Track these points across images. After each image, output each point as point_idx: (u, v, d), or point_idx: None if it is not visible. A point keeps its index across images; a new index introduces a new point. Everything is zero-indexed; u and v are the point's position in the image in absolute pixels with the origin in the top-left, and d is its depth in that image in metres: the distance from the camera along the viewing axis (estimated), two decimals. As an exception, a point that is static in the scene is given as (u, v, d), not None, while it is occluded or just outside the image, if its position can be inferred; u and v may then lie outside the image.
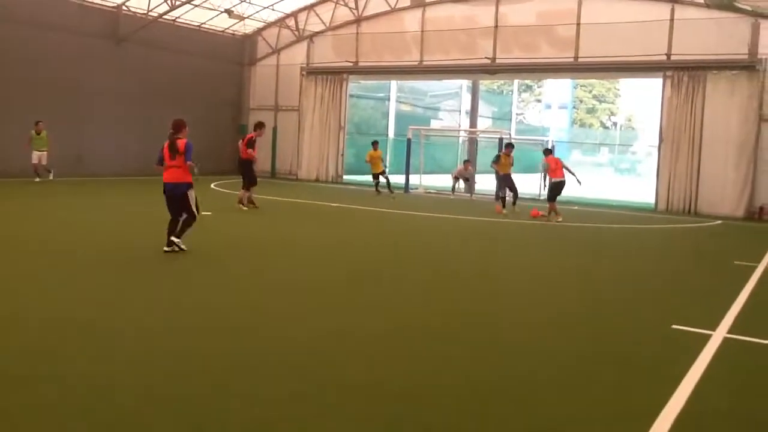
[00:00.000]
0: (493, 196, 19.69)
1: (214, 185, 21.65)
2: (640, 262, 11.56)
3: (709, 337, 6.34)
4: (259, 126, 15.70)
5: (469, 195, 23.75)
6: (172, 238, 9.31)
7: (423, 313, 6.93)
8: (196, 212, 9.47)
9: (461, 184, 24.10)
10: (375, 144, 21.99)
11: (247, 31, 28.74)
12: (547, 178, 16.76)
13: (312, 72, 27.65)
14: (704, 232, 16.61)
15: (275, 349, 5.45)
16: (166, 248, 9.30)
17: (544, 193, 18.07)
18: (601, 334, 6.53)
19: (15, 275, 7.87)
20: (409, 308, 7.11)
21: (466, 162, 24.60)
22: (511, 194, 18.50)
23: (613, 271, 10.35)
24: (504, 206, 18.21)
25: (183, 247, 9.37)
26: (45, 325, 5.78)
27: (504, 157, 18.34)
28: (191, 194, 9.40)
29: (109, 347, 5.32)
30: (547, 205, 16.79)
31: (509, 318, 7.00)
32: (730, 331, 6.60)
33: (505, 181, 18.40)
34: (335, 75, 27.14)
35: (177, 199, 9.35)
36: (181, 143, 9.31)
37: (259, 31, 28.85)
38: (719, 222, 18.45)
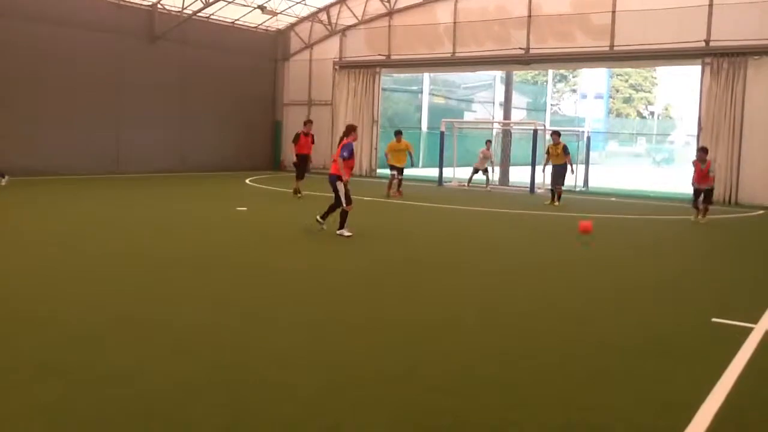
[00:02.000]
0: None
1: (249, 180, 21.84)
2: (679, 254, 11.36)
3: (750, 330, 6.20)
4: (307, 122, 18.37)
5: (485, 186, 23.08)
6: (337, 232, 10.96)
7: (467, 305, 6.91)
8: (343, 202, 11.01)
9: (480, 175, 23.09)
10: (398, 134, 19.65)
11: (280, 27, 28.90)
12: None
13: (345, 66, 27.70)
14: (745, 223, 16.24)
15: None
16: (318, 217, 11.39)
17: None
18: (637, 326, 6.40)
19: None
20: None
21: (487, 142, 23.54)
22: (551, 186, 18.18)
23: (650, 263, 10.17)
24: (558, 200, 17.92)
25: (347, 233, 10.90)
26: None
27: (552, 147, 18.14)
28: (340, 186, 10.99)
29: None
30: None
31: (545, 308, 6.92)
32: (773, 324, 6.45)
33: (553, 172, 18.14)
34: (368, 69, 27.15)
35: (332, 187, 11.12)
36: (342, 143, 11.12)
37: (292, 26, 28.98)
38: (761, 212, 18.01)
